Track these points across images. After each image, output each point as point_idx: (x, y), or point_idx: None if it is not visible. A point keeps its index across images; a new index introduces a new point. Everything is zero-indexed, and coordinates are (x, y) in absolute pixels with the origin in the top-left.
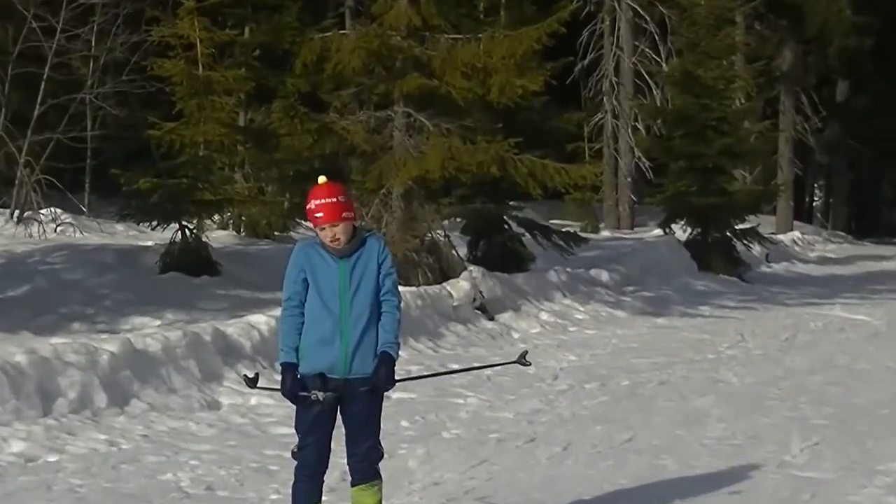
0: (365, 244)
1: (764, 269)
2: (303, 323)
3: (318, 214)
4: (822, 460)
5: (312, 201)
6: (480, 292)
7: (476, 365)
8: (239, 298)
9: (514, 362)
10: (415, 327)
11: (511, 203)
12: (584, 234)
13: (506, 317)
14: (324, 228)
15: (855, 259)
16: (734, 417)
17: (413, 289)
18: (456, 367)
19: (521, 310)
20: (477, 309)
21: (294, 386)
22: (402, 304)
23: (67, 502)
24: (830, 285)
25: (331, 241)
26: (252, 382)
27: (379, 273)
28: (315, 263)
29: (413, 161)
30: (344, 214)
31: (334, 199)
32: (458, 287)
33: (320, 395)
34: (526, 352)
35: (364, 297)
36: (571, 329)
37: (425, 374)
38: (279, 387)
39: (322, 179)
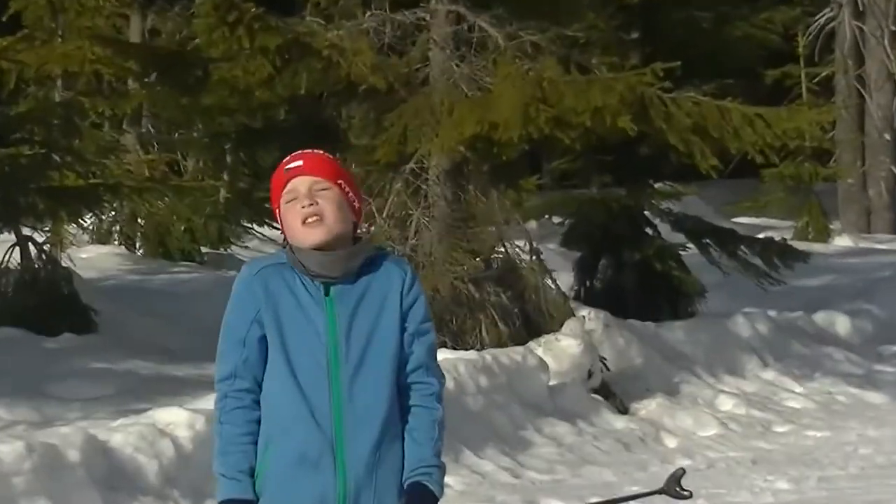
0: (378, 268)
1: None
2: (257, 423)
3: (291, 164)
4: None
5: (284, 166)
6: (602, 360)
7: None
8: (134, 377)
9: (660, 492)
10: (474, 429)
11: (659, 187)
12: (800, 245)
13: (651, 407)
14: (294, 194)
15: None
16: None
17: (471, 355)
18: None
19: (680, 393)
20: (596, 392)
21: None
22: (449, 383)
23: None
24: None
25: (305, 223)
26: None
27: (404, 327)
28: (282, 304)
29: (468, 106)
30: (339, 180)
31: (322, 153)
32: (560, 350)
33: None
34: (682, 471)
35: (377, 373)
36: (780, 429)
37: None
38: None
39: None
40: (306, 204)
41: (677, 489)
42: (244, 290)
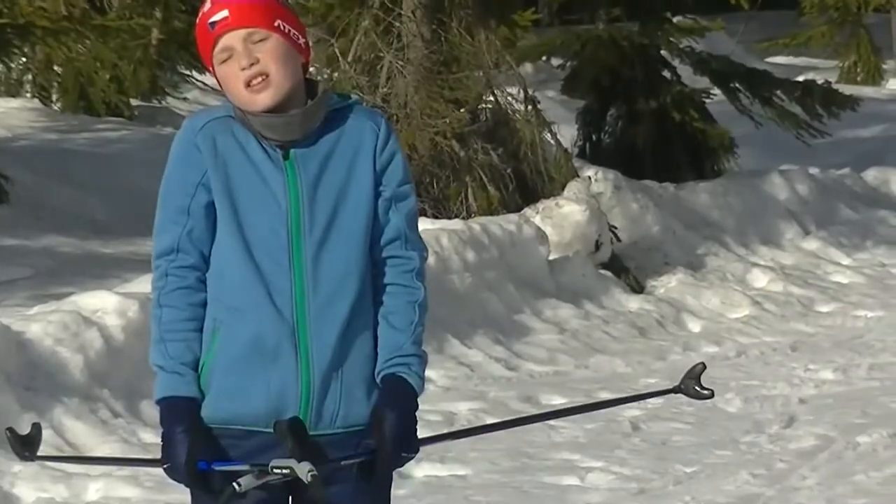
0: (345, 122)
1: None
2: (203, 304)
3: (216, 16)
4: None
5: (207, 19)
6: (612, 229)
7: (593, 402)
8: (54, 256)
9: (675, 390)
10: (461, 312)
11: (678, 21)
12: (847, 89)
13: (671, 284)
14: (229, 53)
15: None
16: None
17: (456, 224)
18: (560, 402)
19: (706, 267)
20: (604, 268)
21: (198, 451)
22: (430, 258)
23: None
24: None
25: (249, 86)
26: (25, 447)
27: (378, 191)
28: (233, 163)
29: None
30: (276, 21)
31: None
32: (562, 217)
33: (299, 467)
34: (702, 366)
35: (346, 246)
36: (824, 309)
37: (492, 424)
38: (159, 457)
39: None
40: (245, 65)
41: (696, 388)
42: (186, 149)
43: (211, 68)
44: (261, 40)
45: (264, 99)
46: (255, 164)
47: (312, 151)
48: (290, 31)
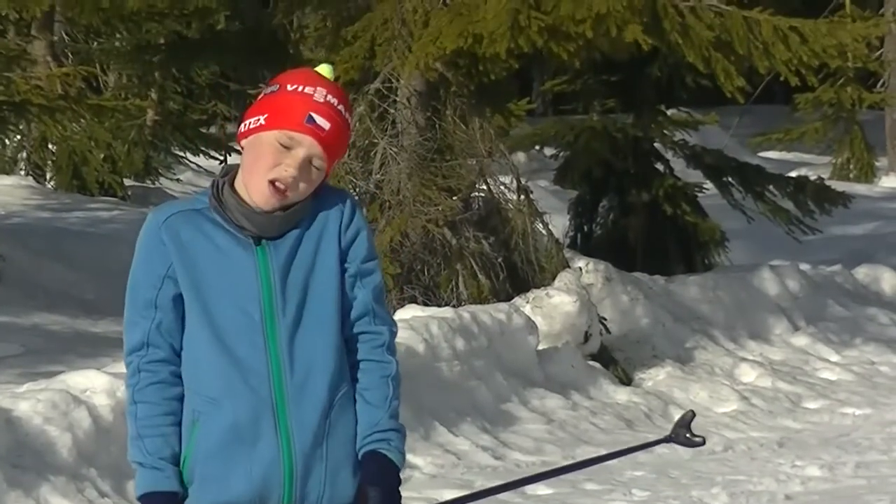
0: (313, 211)
1: None
2: (181, 399)
3: (319, 121)
4: None
5: (297, 83)
6: (602, 320)
7: (590, 458)
8: (44, 335)
9: (667, 439)
10: (449, 401)
11: (672, 114)
12: (839, 186)
13: (659, 377)
14: (292, 145)
15: None
16: None
17: (446, 313)
18: (546, 492)
19: (694, 361)
20: (593, 359)
21: None
22: (418, 346)
23: None
24: None
25: (274, 179)
26: None
27: (344, 268)
28: (198, 254)
29: (446, 16)
30: (335, 159)
31: (343, 108)
32: (552, 308)
33: None
34: (692, 414)
35: (320, 328)
36: (811, 406)
37: (476, 492)
38: None
39: (326, 69)
40: (292, 172)
41: (687, 436)
42: (150, 242)
43: (255, 126)
44: (317, 167)
45: (273, 203)
46: (223, 252)
47: (284, 242)
48: (334, 161)
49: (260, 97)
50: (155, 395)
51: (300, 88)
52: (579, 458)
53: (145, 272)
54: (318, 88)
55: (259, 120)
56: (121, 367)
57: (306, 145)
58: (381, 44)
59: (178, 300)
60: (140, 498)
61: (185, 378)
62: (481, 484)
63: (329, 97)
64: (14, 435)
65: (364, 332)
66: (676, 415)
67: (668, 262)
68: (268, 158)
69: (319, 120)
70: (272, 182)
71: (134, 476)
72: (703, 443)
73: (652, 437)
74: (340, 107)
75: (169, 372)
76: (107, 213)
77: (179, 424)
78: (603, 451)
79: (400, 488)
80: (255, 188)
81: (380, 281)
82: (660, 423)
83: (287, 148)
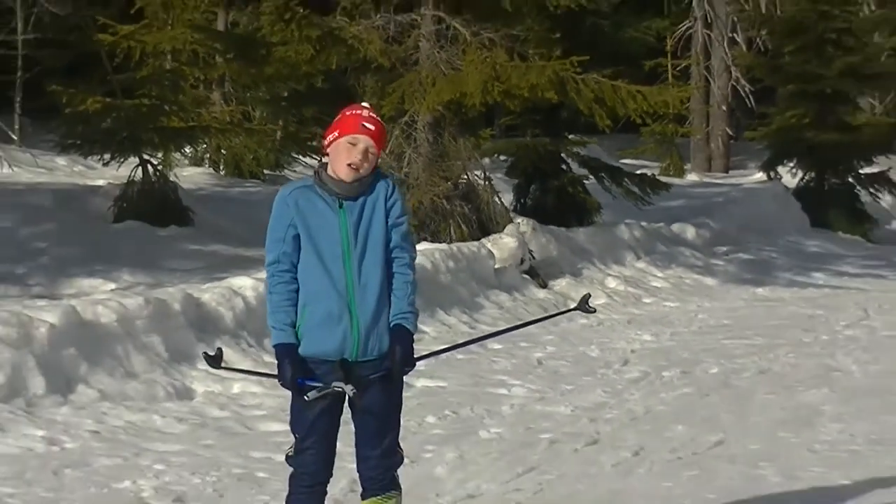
0: (374, 187)
1: None
2: (297, 291)
3: (367, 124)
4: None
5: (352, 111)
6: (530, 252)
7: (520, 322)
8: (218, 256)
9: (575, 309)
10: (444, 296)
11: (571, 137)
12: (664, 179)
13: (562, 284)
14: (356, 141)
15: None
16: (853, 417)
17: (443, 246)
18: (498, 346)
19: (581, 275)
20: (525, 273)
21: (297, 374)
22: (428, 266)
23: None
24: None
25: (349, 163)
26: (214, 362)
27: (387, 221)
28: (308, 213)
29: (445, 81)
30: (382, 147)
31: (383, 125)
32: (502, 245)
33: (347, 387)
34: (589, 295)
35: (374, 256)
36: (647, 301)
37: (454, 345)
38: (276, 373)
39: (365, 104)
40: (359, 157)
41: (587, 306)
42: (281, 205)
43: (334, 135)
44: (372, 153)
45: (351, 176)
46: (321, 212)
47: (355, 204)
48: (378, 153)
49: (332, 124)
50: (282, 289)
51: (354, 111)
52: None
53: (277, 222)
54: (363, 110)
55: (335, 133)
56: (260, 276)
57: (363, 140)
58: (408, 95)
59: (296, 238)
60: (275, 346)
61: (300, 281)
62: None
63: (371, 113)
64: (200, 312)
65: (396, 257)
66: (571, 305)
67: (568, 220)
68: (343, 154)
69: (368, 125)
70: (349, 164)
71: (270, 335)
72: (595, 311)
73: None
74: (378, 119)
75: (290, 276)
76: (254, 189)
77: (295, 305)
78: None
79: (413, 345)
80: (340, 170)
81: (406, 227)
82: (562, 309)
83: (353, 144)
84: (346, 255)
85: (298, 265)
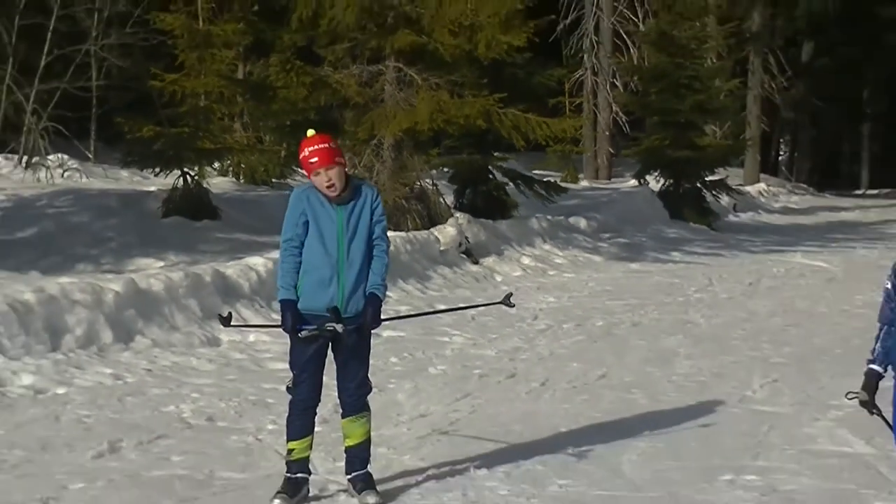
0: (360, 193)
1: (731, 218)
2: (300, 263)
3: (312, 160)
4: (781, 396)
5: (306, 149)
6: (466, 238)
7: (461, 305)
8: (238, 241)
9: (498, 303)
10: (404, 270)
11: (496, 154)
12: (564, 184)
13: (489, 261)
14: (318, 174)
15: (816, 210)
16: (700, 356)
17: (402, 234)
18: (442, 307)
19: (503, 254)
20: (462, 253)
21: (296, 322)
22: (392, 249)
23: (75, 432)
24: (793, 234)
25: (326, 187)
26: (225, 321)
27: (371, 220)
28: (316, 207)
29: (403, 113)
30: (337, 159)
31: (326, 145)
32: (445, 232)
33: (338, 326)
34: (510, 294)
35: (359, 243)
36: (551, 273)
37: (412, 313)
38: (279, 323)
39: (311, 132)
40: (325, 180)
41: (508, 302)
42: (295, 199)
43: (308, 172)
44: (330, 169)
45: (332, 193)
46: (325, 208)
47: (348, 206)
48: (341, 161)
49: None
50: (291, 259)
51: (302, 155)
52: (456, 294)
53: (294, 210)
54: (306, 149)
55: (307, 172)
56: (269, 255)
57: (321, 173)
58: (377, 124)
59: (305, 224)
60: (280, 301)
61: (304, 255)
62: (416, 304)
63: (312, 147)
64: (225, 282)
65: (376, 244)
66: (497, 277)
67: (494, 214)
68: (317, 184)
69: (314, 159)
70: (327, 187)
71: (276, 299)
72: (514, 306)
73: (486, 286)
74: (323, 144)
75: (298, 251)
76: (265, 193)
77: (298, 272)
78: (467, 292)
79: (381, 308)
80: (321, 191)
81: (384, 224)
82: (490, 281)
83: (317, 174)
84: (339, 239)
85: (304, 245)
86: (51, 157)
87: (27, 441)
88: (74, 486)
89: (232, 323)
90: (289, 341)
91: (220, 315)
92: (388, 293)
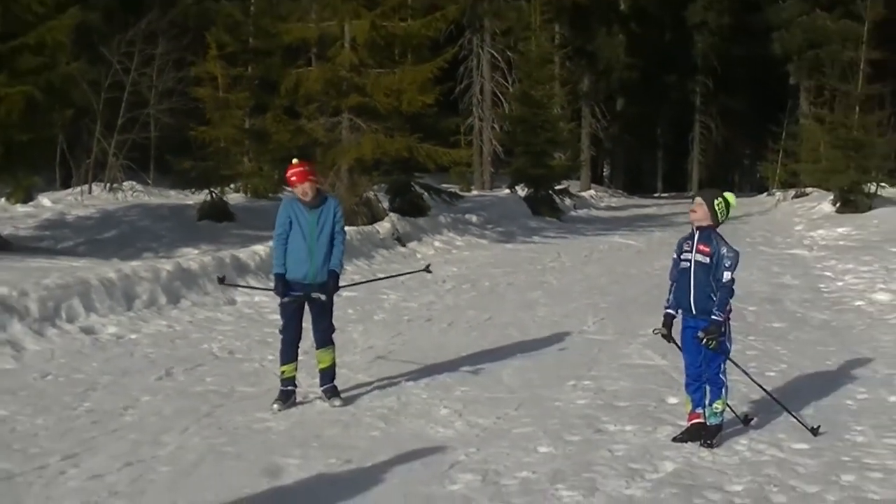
0: (327, 202)
1: (573, 213)
2: (286, 249)
3: (293, 178)
4: (606, 329)
5: (290, 171)
6: (397, 230)
7: (394, 274)
8: (246, 236)
9: (419, 271)
10: (355, 252)
11: (416, 174)
12: (461, 193)
13: (413, 244)
14: (297, 187)
15: (628, 207)
16: (553, 304)
17: (354, 228)
18: (381, 276)
19: (422, 240)
20: (395, 240)
21: (284, 289)
22: (347, 239)
23: (143, 364)
24: (613, 223)
25: (302, 195)
26: (221, 281)
27: (334, 220)
28: (297, 212)
29: (354, 149)
30: (310, 177)
31: (303, 168)
32: (383, 227)
33: (319, 294)
34: (428, 265)
35: (325, 236)
36: (454, 252)
37: (361, 281)
38: (267, 287)
39: (295, 161)
40: (301, 192)
41: (427, 269)
42: (284, 206)
43: (291, 185)
44: (305, 183)
45: (306, 199)
46: (304, 213)
47: (318, 211)
48: (314, 178)
49: (287, 176)
50: (280, 247)
51: (288, 174)
52: (391, 268)
53: (283, 214)
54: (291, 169)
55: (291, 187)
56: (268, 244)
57: (300, 186)
58: (337, 156)
59: (290, 223)
60: (274, 274)
61: (289, 243)
62: (361, 276)
63: (295, 170)
64: (239, 262)
65: (335, 238)
66: (418, 255)
67: (415, 214)
68: (299, 193)
69: (296, 177)
70: (302, 195)
71: (272, 273)
72: (431, 272)
73: (412, 262)
74: (301, 167)
75: (285, 241)
76: (265, 204)
77: (285, 255)
78: (397, 267)
79: (339, 279)
80: (303, 200)
81: (343, 224)
82: (415, 258)
83: (297, 187)
84: (312, 233)
85: (289, 236)
86: (125, 183)
87: (112, 369)
88: (144, 398)
89: (225, 282)
90: (279, 301)
91: (217, 276)
92: (345, 268)
